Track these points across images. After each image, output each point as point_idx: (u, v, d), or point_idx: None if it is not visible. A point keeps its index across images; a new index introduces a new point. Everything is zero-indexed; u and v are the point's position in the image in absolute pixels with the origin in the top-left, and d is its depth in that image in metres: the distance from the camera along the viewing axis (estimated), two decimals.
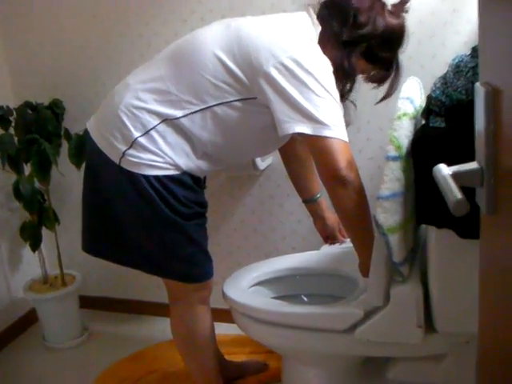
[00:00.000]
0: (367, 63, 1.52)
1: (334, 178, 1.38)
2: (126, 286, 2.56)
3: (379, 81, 1.57)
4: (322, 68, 1.40)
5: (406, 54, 1.56)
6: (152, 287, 2.43)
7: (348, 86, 1.53)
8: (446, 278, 1.33)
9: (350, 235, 1.52)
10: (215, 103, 1.43)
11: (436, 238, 1.30)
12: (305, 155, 1.83)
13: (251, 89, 1.41)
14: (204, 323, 1.69)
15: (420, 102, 1.46)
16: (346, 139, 1.38)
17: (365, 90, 1.60)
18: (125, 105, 1.47)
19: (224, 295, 1.68)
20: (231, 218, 2.30)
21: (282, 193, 2.20)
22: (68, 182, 2.40)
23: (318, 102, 1.36)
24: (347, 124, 1.50)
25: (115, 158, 1.48)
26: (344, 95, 1.52)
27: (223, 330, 2.04)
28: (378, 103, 1.61)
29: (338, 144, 1.36)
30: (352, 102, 1.60)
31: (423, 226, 1.51)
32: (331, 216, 1.87)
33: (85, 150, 1.64)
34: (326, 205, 1.87)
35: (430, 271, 1.38)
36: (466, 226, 1.17)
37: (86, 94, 2.32)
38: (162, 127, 1.45)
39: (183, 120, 1.45)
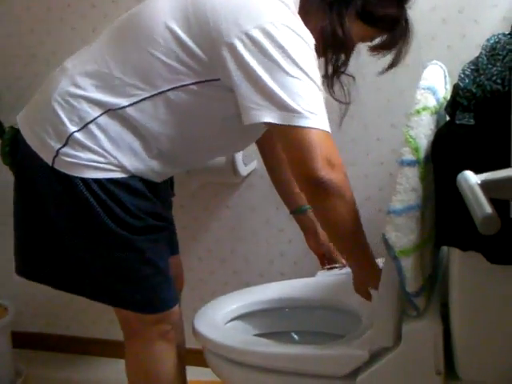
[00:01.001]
0: (365, 25, 1.51)
1: (309, 181, 1.36)
2: (71, 320, 2.54)
3: (387, 47, 1.56)
4: (300, 42, 1.38)
5: (428, 34, 1.55)
6: (102, 321, 2.42)
7: (342, 57, 1.52)
8: (471, 312, 1.33)
9: (340, 251, 1.54)
10: (168, 88, 1.43)
11: (460, 263, 1.30)
12: None
13: (211, 67, 1.40)
14: (166, 364, 1.67)
15: (444, 93, 1.47)
16: (327, 129, 1.36)
17: (372, 74, 1.61)
18: (59, 93, 1.48)
19: (195, 332, 1.68)
20: (204, 236, 2.31)
21: (268, 205, 2.20)
22: None
23: (291, 83, 1.34)
24: (345, 104, 1.49)
25: (48, 158, 1.47)
26: (338, 69, 1.52)
27: (195, 375, 2.03)
28: (382, 73, 1.60)
29: (316, 135, 1.34)
30: (350, 75, 1.58)
31: (444, 248, 1.52)
32: None
33: None
34: None
35: (451, 304, 1.37)
36: (497, 248, 1.17)
37: (25, 76, 2.31)
38: (104, 119, 1.45)
39: (129, 110, 1.45)
